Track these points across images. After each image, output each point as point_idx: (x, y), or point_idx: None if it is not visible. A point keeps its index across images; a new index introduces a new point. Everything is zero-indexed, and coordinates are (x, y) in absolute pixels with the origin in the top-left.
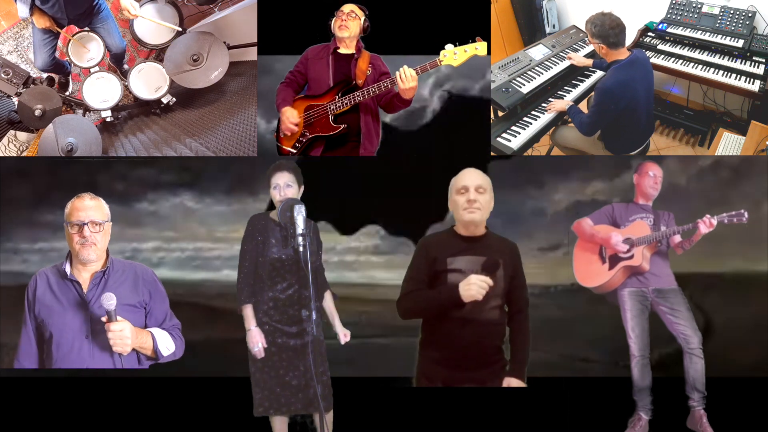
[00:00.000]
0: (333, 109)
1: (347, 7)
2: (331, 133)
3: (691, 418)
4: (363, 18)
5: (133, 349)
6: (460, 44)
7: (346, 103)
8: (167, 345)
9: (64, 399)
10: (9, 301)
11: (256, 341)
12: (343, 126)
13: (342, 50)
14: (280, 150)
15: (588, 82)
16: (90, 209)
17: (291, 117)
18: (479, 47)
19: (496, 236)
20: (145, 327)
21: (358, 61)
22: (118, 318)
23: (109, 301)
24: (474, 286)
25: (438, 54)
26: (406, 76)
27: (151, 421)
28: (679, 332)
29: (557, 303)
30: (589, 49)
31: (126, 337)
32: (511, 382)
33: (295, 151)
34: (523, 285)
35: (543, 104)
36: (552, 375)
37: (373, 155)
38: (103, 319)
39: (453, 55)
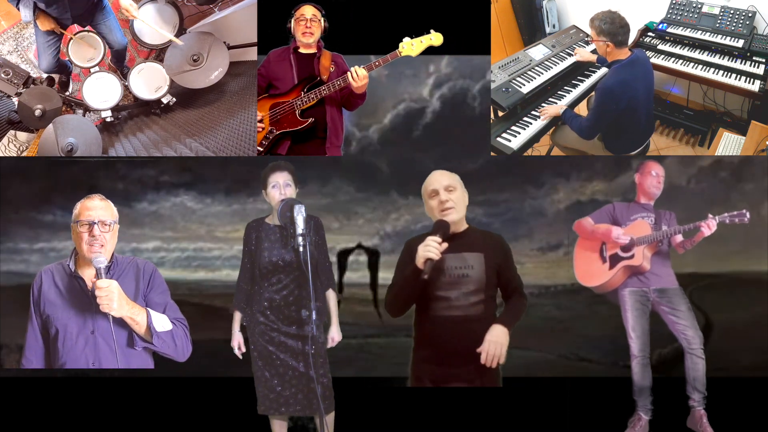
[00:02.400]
0: (299, 104)
1: (309, 12)
2: (299, 127)
3: (691, 418)
4: (323, 20)
5: (128, 328)
6: (416, 36)
7: (312, 98)
8: (163, 324)
9: (65, 399)
10: (9, 301)
11: (234, 344)
12: (310, 119)
13: (303, 50)
14: None
15: (588, 83)
16: (100, 209)
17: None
18: (434, 38)
19: (479, 231)
20: None
21: (321, 59)
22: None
23: (98, 258)
24: (420, 248)
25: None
26: (358, 75)
27: (151, 421)
28: (680, 332)
29: (557, 303)
30: (591, 47)
31: (112, 293)
32: (495, 328)
33: (261, 149)
34: (514, 273)
35: (543, 104)
36: (552, 375)
37: (340, 154)
38: (93, 278)
39: (411, 46)
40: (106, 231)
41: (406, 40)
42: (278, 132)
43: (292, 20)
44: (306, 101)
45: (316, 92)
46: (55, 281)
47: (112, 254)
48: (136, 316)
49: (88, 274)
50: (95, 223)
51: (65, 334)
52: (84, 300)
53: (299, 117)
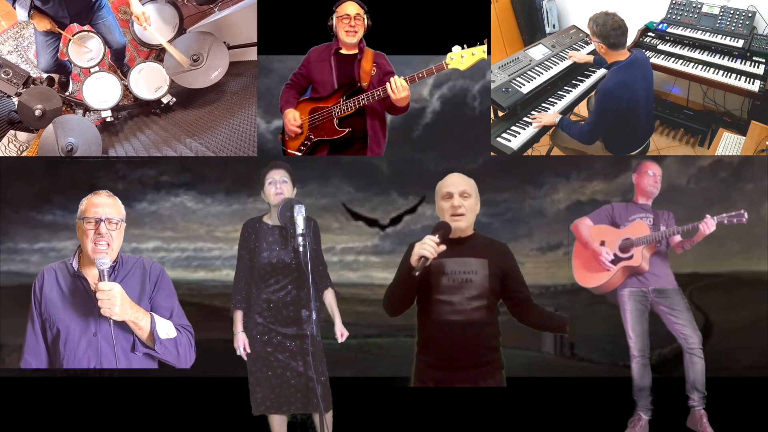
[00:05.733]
0: (337, 113)
1: (352, 10)
2: (336, 137)
3: (691, 418)
4: (366, 17)
5: (130, 332)
6: (468, 46)
7: (350, 107)
8: (167, 330)
9: (65, 399)
10: (9, 301)
11: (238, 345)
12: (347, 130)
13: (344, 51)
14: (285, 152)
15: (587, 83)
16: (107, 206)
17: (293, 119)
18: (485, 50)
19: (485, 238)
20: None
21: (362, 61)
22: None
23: (102, 259)
24: (417, 245)
25: (442, 54)
26: (397, 87)
27: (151, 421)
28: (679, 332)
29: (557, 303)
30: (591, 48)
31: (114, 297)
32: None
33: (300, 154)
34: (521, 281)
35: (543, 104)
36: (552, 375)
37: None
38: (96, 280)
39: (460, 59)
40: (113, 229)
41: (456, 50)
42: (316, 139)
43: (334, 17)
44: (344, 110)
45: (354, 101)
46: (57, 281)
47: (118, 253)
48: (140, 320)
49: (91, 274)
50: (102, 220)
51: (67, 335)
52: (87, 301)
53: (337, 126)
